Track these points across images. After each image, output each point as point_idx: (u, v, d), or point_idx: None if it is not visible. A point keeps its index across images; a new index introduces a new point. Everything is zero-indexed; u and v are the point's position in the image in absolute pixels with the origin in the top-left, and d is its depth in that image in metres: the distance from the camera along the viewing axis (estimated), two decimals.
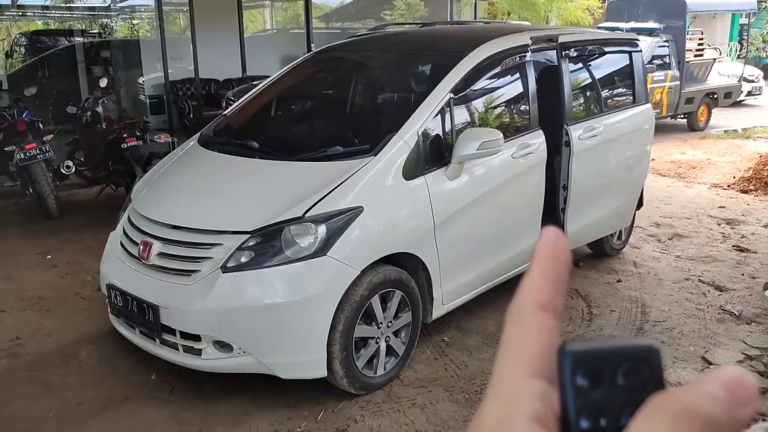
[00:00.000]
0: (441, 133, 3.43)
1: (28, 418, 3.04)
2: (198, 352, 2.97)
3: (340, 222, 2.98)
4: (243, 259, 2.91)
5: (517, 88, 3.98)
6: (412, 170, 3.28)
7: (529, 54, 3.97)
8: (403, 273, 3.23)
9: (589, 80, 4.53)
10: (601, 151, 4.37)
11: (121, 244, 3.39)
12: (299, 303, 2.85)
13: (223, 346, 2.93)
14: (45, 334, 3.86)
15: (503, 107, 3.94)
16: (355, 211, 3.02)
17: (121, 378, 3.36)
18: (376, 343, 3.17)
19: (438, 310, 3.51)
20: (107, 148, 6.78)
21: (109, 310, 3.39)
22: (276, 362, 2.92)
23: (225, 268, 2.90)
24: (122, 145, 6.44)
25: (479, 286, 3.79)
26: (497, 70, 3.79)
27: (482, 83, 3.74)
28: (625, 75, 4.76)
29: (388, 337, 3.22)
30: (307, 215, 2.95)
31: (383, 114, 3.84)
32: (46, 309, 4.23)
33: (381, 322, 3.16)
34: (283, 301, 2.85)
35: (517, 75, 3.96)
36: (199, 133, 4.08)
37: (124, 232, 3.40)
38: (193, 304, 2.89)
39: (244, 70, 11.68)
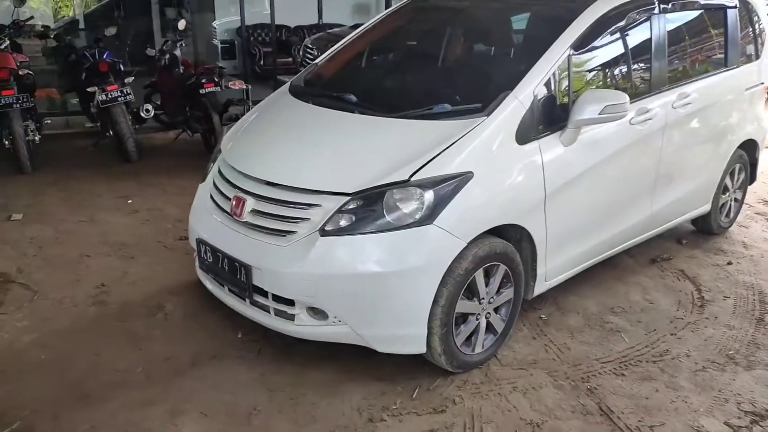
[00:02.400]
0: (557, 94, 3.11)
1: (116, 370, 2.98)
2: (290, 317, 2.82)
3: (448, 188, 2.73)
4: (342, 223, 2.71)
5: (640, 45, 3.58)
6: (526, 134, 2.99)
7: (657, 6, 3.56)
8: (509, 246, 2.98)
9: (683, 40, 4.02)
10: (694, 119, 3.94)
11: (212, 197, 3.24)
12: (401, 274, 2.65)
13: (317, 312, 2.77)
14: (129, 283, 3.81)
15: (624, 67, 3.55)
16: (464, 177, 2.76)
17: (207, 334, 3.26)
18: (476, 319, 2.95)
19: (540, 287, 3.26)
20: (185, 92, 6.68)
21: (197, 264, 3.28)
22: (373, 334, 2.74)
23: (323, 232, 2.71)
24: (200, 91, 6.32)
25: (584, 261, 3.51)
26: (621, 24, 3.41)
27: (604, 39, 3.36)
28: (719, 34, 4.23)
29: (489, 313, 3.00)
30: (412, 179, 2.72)
31: (494, 70, 3.51)
32: (129, 256, 4.18)
33: (483, 298, 2.93)
34: (384, 270, 2.64)
35: (642, 31, 3.57)
36: (288, 83, 3.86)
37: (215, 186, 3.25)
38: (289, 267, 2.73)
39: (320, 16, 11.39)
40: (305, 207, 2.79)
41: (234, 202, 2.99)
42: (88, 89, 6.24)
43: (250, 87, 7.07)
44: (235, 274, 2.91)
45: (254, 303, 2.93)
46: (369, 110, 3.18)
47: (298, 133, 3.24)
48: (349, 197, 2.73)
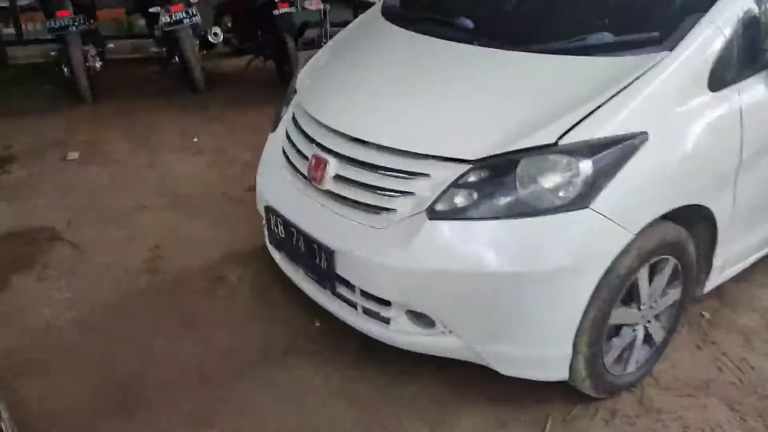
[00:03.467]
0: (764, 19, 2.18)
1: (164, 364, 2.42)
2: (385, 320, 2.15)
3: (612, 156, 1.91)
4: (459, 202, 1.96)
5: None
6: (722, 76, 2.11)
7: None
8: (682, 232, 2.16)
9: None
10: None
11: (284, 153, 2.54)
12: (541, 276, 1.89)
13: (421, 318, 2.07)
14: (188, 245, 3.22)
15: None
16: (635, 140, 1.93)
17: (277, 319, 2.65)
18: (633, 330, 2.20)
19: (714, 280, 2.44)
20: (257, 14, 5.93)
21: (266, 237, 2.63)
22: (497, 352, 2.03)
23: (432, 212, 1.98)
24: (273, 12, 5.55)
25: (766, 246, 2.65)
26: None
27: None
28: None
29: (649, 321, 2.23)
30: (561, 142, 1.92)
31: None
32: (189, 209, 3.60)
33: (644, 303, 2.16)
34: (517, 270, 1.89)
35: None
36: (380, 2, 3.04)
37: (288, 138, 2.55)
38: (384, 258, 2.02)
39: None
40: (408, 177, 2.05)
41: (312, 163, 2.29)
42: (150, 10, 5.58)
43: (328, 7, 6.25)
44: (314, 257, 2.24)
45: (337, 295, 2.27)
46: (495, 41, 2.34)
47: (396, 72, 2.45)
48: (469, 166, 1.97)
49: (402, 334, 2.12)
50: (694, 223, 2.23)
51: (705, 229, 2.28)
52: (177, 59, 5.75)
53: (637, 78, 1.99)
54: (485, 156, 1.96)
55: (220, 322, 2.66)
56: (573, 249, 1.90)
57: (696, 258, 2.27)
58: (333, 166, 2.23)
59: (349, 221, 2.15)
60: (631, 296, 2.11)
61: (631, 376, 2.25)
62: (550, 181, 1.92)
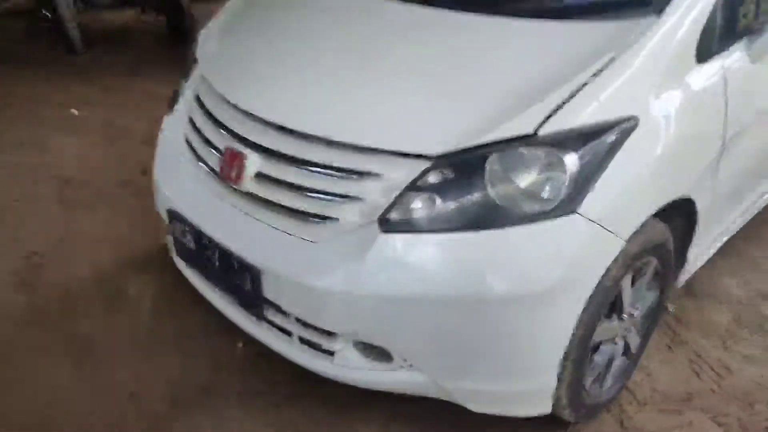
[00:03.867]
0: None
1: (44, 418, 1.93)
2: (328, 352, 1.75)
3: (601, 147, 1.58)
4: (417, 209, 1.57)
5: None
6: (709, 45, 1.80)
7: None
8: (666, 229, 1.88)
9: None
10: None
11: (188, 142, 2.04)
12: (522, 299, 1.54)
13: (372, 349, 1.69)
14: (74, 249, 2.66)
15: None
16: (626, 125, 1.61)
17: (189, 344, 2.19)
18: (615, 344, 1.92)
19: (687, 274, 2.21)
20: None
21: (172, 248, 2.13)
22: (467, 389, 1.69)
23: (386, 223, 1.58)
24: None
25: (733, 231, 2.44)
26: None
27: None
28: None
29: (629, 330, 1.96)
30: (542, 132, 1.56)
31: None
32: (75, 202, 3.01)
33: (625, 313, 1.88)
34: (492, 294, 1.54)
35: None
36: None
37: (192, 123, 2.04)
38: (326, 280, 1.61)
39: None
40: (353, 177, 1.63)
41: (226, 158, 1.81)
42: None
43: None
44: (234, 276, 1.79)
45: (267, 320, 1.84)
46: (455, 3, 1.92)
47: (333, 39, 1.98)
48: (429, 163, 1.58)
49: (350, 369, 1.73)
50: (673, 217, 1.95)
51: (683, 221, 2.01)
52: (47, 13, 4.92)
53: (624, 49, 1.65)
54: (448, 151, 1.57)
55: (115, 352, 2.16)
56: (559, 265, 1.55)
57: (673, 254, 2.02)
58: (253, 162, 1.76)
59: (279, 232, 1.71)
60: (613, 307, 1.82)
61: (609, 392, 1.98)
62: (528, 181, 1.56)
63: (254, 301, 1.77)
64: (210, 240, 1.83)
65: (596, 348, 1.86)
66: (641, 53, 1.66)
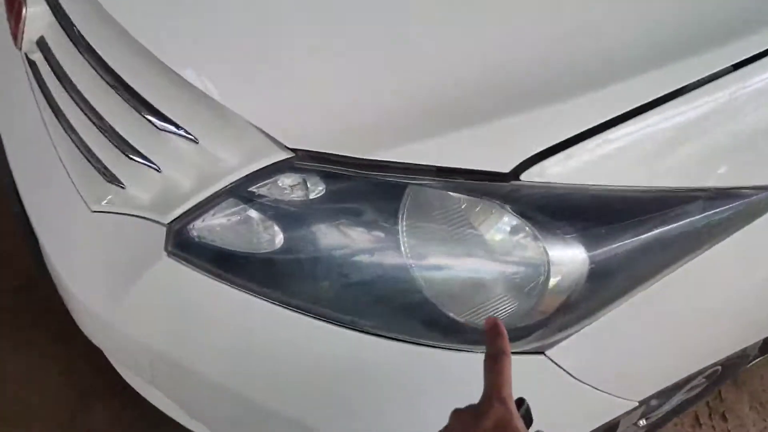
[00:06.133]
0: None
1: None
2: None
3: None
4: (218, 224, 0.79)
5: None
6: None
7: None
8: None
9: None
10: None
11: None
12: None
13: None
14: None
15: None
16: None
17: None
18: None
19: None
20: None
21: None
22: None
23: (179, 239, 0.81)
24: None
25: None
26: None
27: None
28: None
29: None
30: (524, 177, 0.67)
31: None
32: None
33: None
34: None
35: None
36: None
37: None
38: (80, 283, 0.92)
39: None
40: (162, 128, 0.82)
41: None
42: None
43: None
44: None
45: None
46: None
47: None
48: (289, 155, 0.74)
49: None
50: None
51: None
52: None
53: None
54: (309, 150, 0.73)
55: None
56: None
57: None
58: (36, 16, 0.97)
59: (63, 174, 0.97)
60: None
61: None
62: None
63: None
64: None
65: None
66: None
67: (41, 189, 1.01)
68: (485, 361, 0.58)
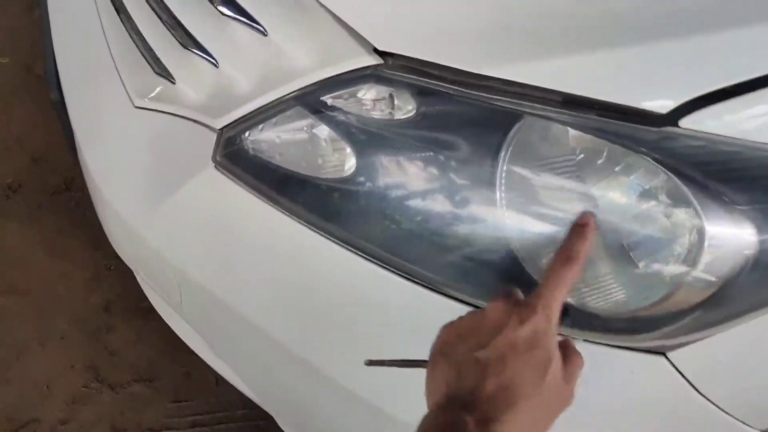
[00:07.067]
0: None
1: None
2: None
3: None
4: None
5: None
6: None
7: None
8: None
9: None
10: None
11: None
12: None
13: None
14: None
15: None
16: None
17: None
18: None
19: None
20: None
21: None
22: None
23: (230, 146, 0.68)
24: None
25: None
26: None
27: None
28: None
29: None
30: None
31: None
32: None
33: None
34: None
35: None
36: None
37: None
38: (110, 185, 0.81)
39: None
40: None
41: None
42: None
43: None
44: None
45: None
46: None
47: None
48: (377, 63, 0.60)
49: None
50: None
51: None
52: None
53: None
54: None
55: None
56: None
57: None
58: None
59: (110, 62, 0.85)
60: None
61: None
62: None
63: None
64: None
65: None
66: None
67: (83, 76, 0.89)
68: (553, 259, 0.51)
